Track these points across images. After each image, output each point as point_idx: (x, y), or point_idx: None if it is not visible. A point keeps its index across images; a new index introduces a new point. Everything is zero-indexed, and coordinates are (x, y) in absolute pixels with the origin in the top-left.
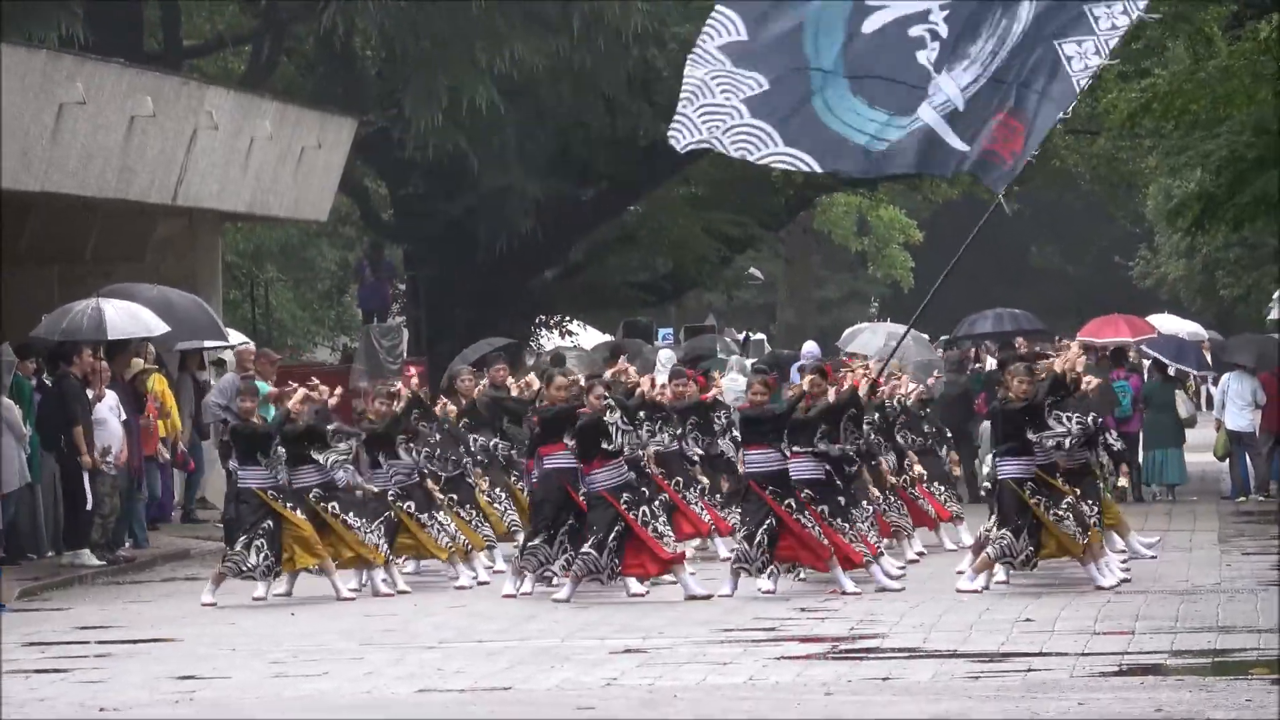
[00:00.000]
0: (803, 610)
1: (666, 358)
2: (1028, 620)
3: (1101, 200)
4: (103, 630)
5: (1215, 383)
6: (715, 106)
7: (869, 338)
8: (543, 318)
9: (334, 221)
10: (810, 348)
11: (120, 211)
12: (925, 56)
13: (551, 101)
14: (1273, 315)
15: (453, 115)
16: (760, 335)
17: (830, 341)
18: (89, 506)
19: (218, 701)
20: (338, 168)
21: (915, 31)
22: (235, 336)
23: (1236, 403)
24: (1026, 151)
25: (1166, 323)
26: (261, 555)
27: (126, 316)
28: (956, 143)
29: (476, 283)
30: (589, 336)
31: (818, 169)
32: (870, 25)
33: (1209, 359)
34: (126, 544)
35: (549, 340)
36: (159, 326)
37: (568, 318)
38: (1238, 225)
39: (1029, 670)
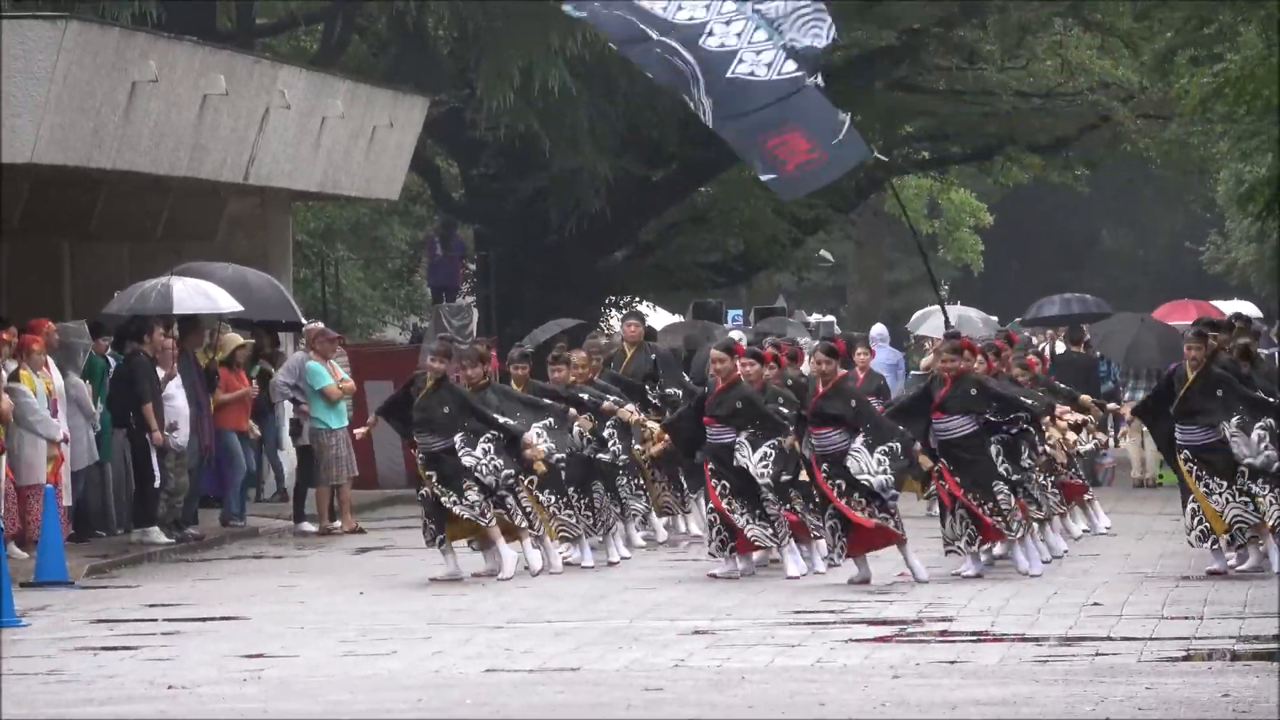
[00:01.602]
0: (871, 593)
1: (805, 344)
2: (1095, 604)
3: (1173, 185)
4: (171, 608)
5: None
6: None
7: (939, 320)
8: (612, 298)
9: (405, 201)
10: (878, 330)
11: (192, 190)
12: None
13: (622, 82)
14: None
15: (524, 95)
16: (830, 317)
17: (900, 324)
18: (157, 484)
19: (285, 680)
20: (409, 147)
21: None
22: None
23: None
24: (824, 133)
25: (1236, 308)
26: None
27: (196, 293)
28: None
29: (546, 263)
30: (659, 317)
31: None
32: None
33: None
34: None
35: (618, 322)
36: (230, 304)
37: (638, 299)
38: None
39: (1096, 654)
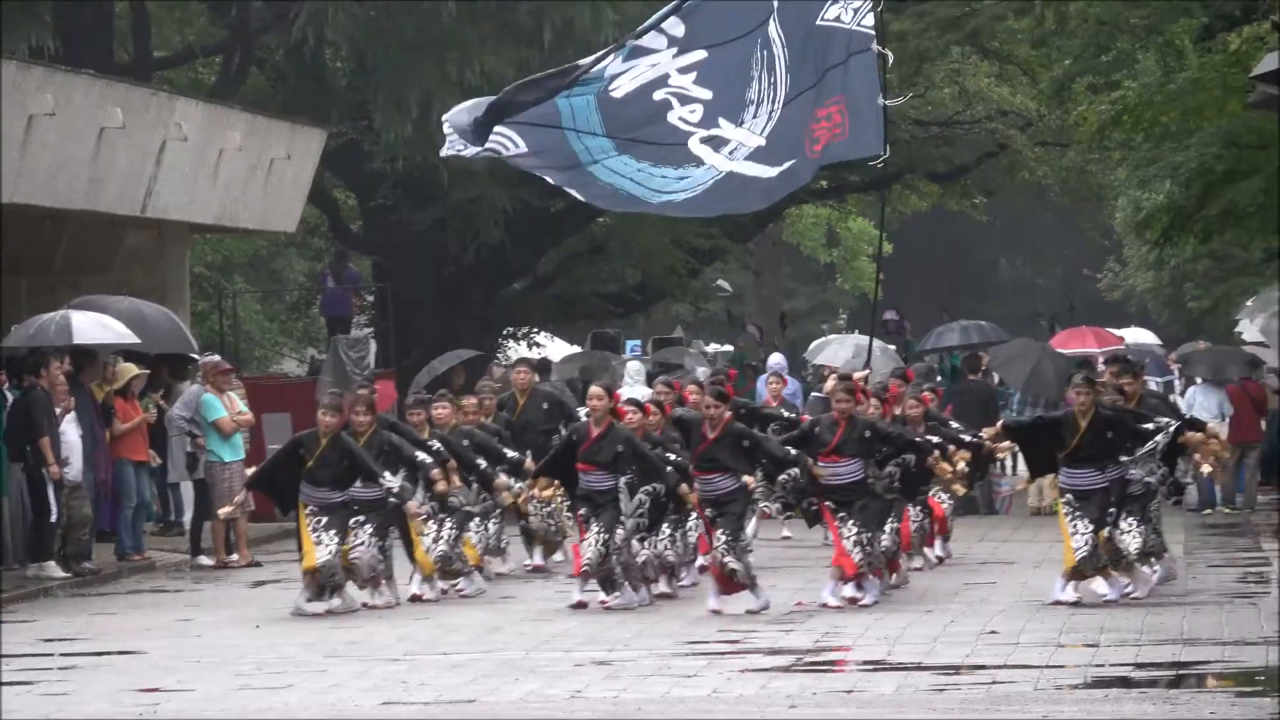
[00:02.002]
0: (767, 622)
1: (635, 369)
2: (992, 633)
3: (1070, 212)
4: (68, 642)
5: (1179, 393)
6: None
7: (837, 349)
8: (511, 329)
9: (302, 233)
10: (776, 360)
11: (89, 223)
12: (676, 116)
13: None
14: (1240, 329)
15: (422, 127)
16: (728, 347)
17: (798, 353)
18: (53, 518)
19: (182, 714)
20: (307, 179)
21: (659, 96)
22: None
23: (1203, 415)
24: (858, 113)
25: (1134, 335)
26: None
27: (95, 325)
28: (767, 171)
29: (445, 294)
30: (557, 348)
31: (580, 197)
32: (617, 91)
33: (1174, 371)
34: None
35: (516, 351)
36: (129, 336)
37: (536, 329)
38: (1206, 237)
39: (993, 683)
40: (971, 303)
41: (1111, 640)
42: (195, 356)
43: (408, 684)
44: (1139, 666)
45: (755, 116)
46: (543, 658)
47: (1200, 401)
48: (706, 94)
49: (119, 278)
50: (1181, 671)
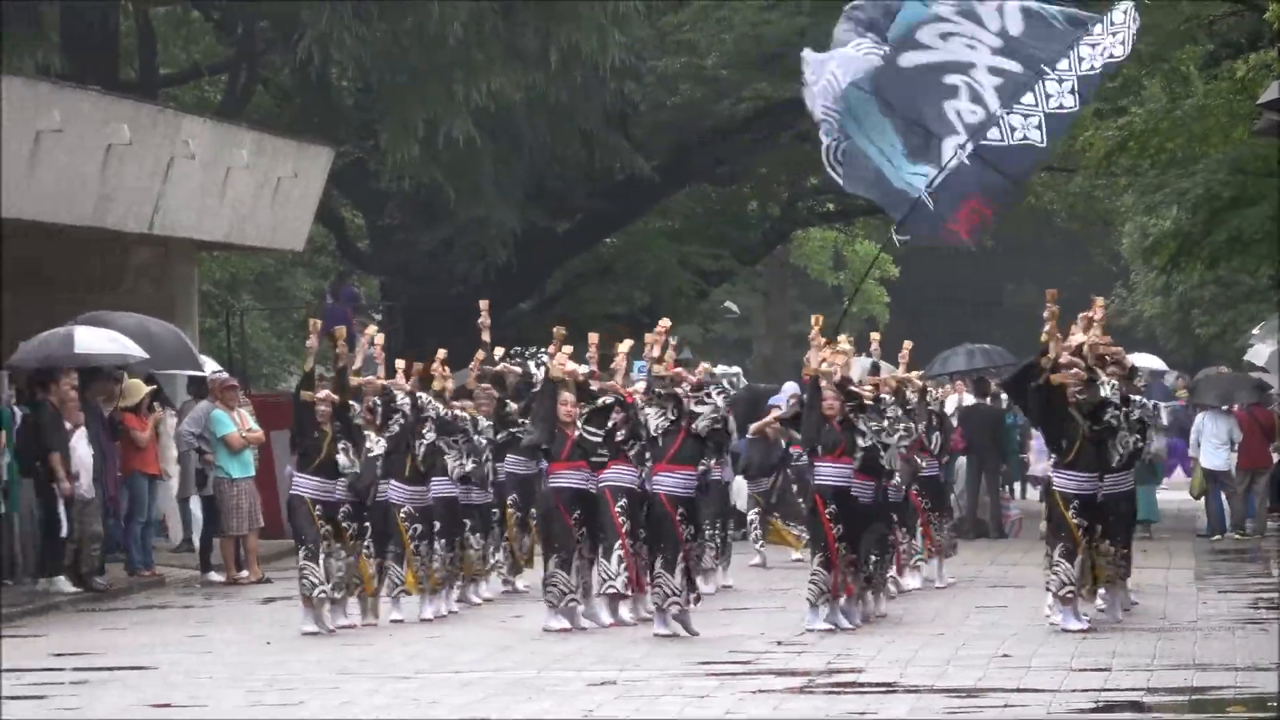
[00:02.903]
0: (779, 644)
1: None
2: (1005, 656)
3: (1078, 238)
4: (79, 657)
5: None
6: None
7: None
8: (518, 349)
9: (310, 251)
10: (790, 387)
11: (96, 239)
12: (954, 109)
13: (528, 134)
14: (1250, 355)
15: (429, 147)
16: (736, 369)
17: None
18: (64, 533)
19: None
20: (314, 197)
21: (951, 80)
22: (209, 365)
23: (1212, 441)
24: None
25: (1141, 360)
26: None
27: (100, 339)
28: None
29: (452, 313)
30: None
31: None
32: (906, 60)
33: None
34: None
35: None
36: (136, 352)
37: (543, 349)
38: (1213, 263)
39: (1005, 706)
40: (977, 325)
41: (1123, 665)
42: (203, 374)
43: (419, 701)
44: (1151, 691)
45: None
46: (554, 677)
47: (1209, 428)
48: (995, 106)
49: (126, 294)
50: (1195, 696)
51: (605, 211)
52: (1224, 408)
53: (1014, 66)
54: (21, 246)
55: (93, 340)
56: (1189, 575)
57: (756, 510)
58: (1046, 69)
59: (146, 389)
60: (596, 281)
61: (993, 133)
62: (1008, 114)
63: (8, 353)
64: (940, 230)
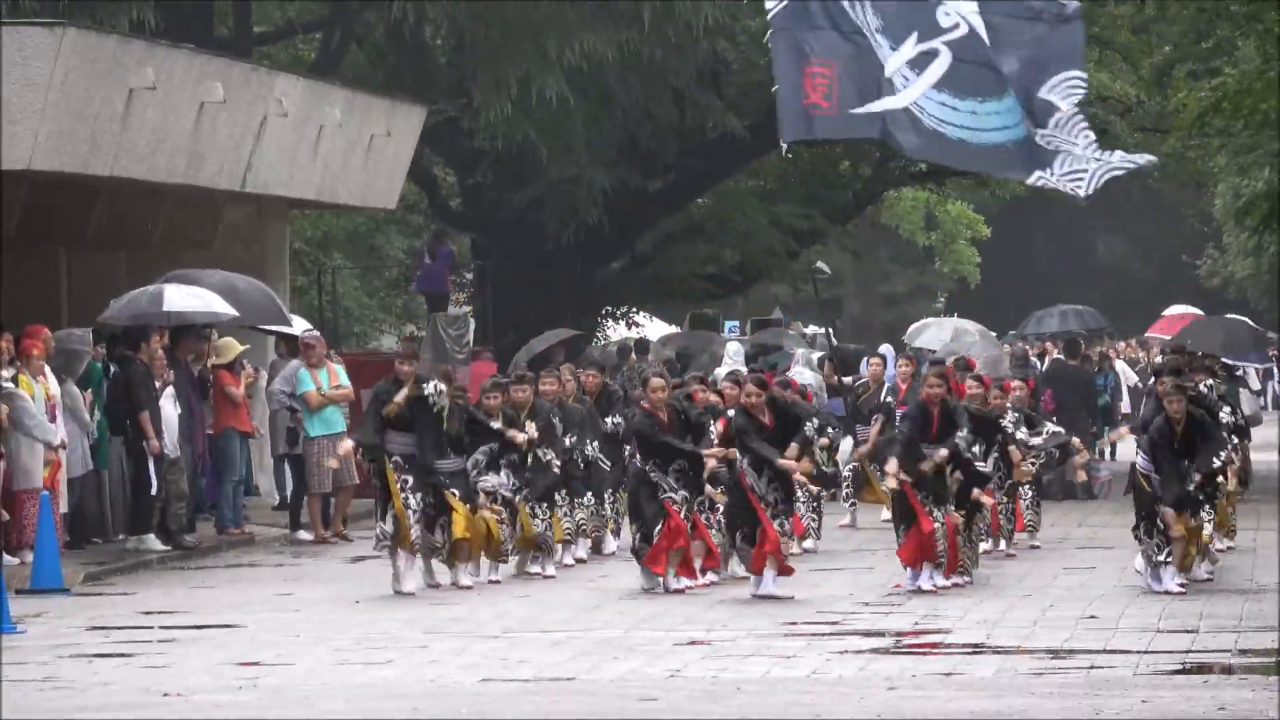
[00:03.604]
0: (866, 604)
1: (734, 350)
2: (1092, 618)
3: (1170, 198)
4: (166, 615)
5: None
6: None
7: (935, 332)
8: (609, 309)
9: (402, 210)
10: (886, 349)
11: (189, 197)
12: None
13: (620, 93)
14: None
15: (521, 105)
16: (825, 328)
17: (897, 335)
18: (153, 492)
19: (281, 688)
20: (406, 156)
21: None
22: (300, 323)
23: None
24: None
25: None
26: None
27: (189, 296)
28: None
29: (543, 273)
30: (655, 328)
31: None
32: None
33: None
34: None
35: (615, 331)
36: (226, 310)
37: (634, 309)
38: None
39: (1092, 668)
40: (1069, 285)
41: (1210, 627)
42: (293, 331)
43: (507, 661)
44: (1238, 653)
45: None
46: (642, 636)
47: None
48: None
49: (218, 253)
50: None
51: (697, 171)
52: None
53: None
54: (114, 204)
55: (181, 298)
56: (1275, 537)
57: (851, 465)
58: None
59: (240, 347)
60: (687, 241)
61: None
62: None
63: (98, 312)
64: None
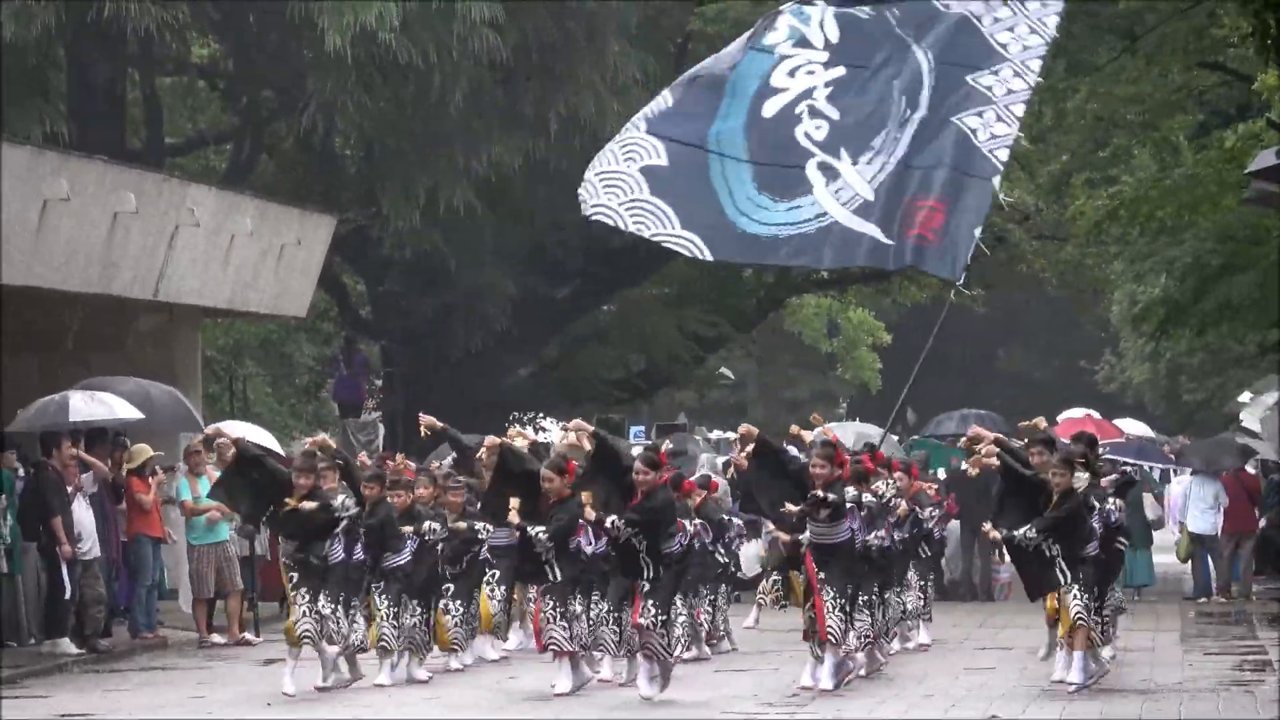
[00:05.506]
0: (770, 705)
1: (707, 460)
2: (993, 718)
3: (1068, 305)
4: (82, 718)
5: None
6: (615, 174)
7: (839, 436)
8: (517, 414)
9: (313, 318)
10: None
11: (102, 305)
12: (803, 131)
13: (528, 201)
14: (1244, 418)
15: (430, 214)
16: (730, 434)
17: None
18: (67, 595)
19: None
20: (317, 265)
21: (799, 108)
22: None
23: (1199, 505)
24: (956, 230)
25: (1130, 426)
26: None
27: (94, 404)
28: (878, 234)
29: (453, 379)
30: (558, 433)
31: (708, 257)
32: (769, 110)
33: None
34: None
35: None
36: (129, 412)
37: (542, 414)
38: (1201, 330)
39: None
40: (968, 391)
41: None
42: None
43: None
44: None
45: (870, 164)
46: None
47: (1196, 492)
48: (835, 114)
49: (130, 358)
50: None
51: (603, 277)
52: (1209, 472)
53: (841, 71)
54: (25, 310)
55: (87, 406)
56: (1175, 637)
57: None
58: (970, 67)
59: (150, 452)
60: (594, 347)
61: (942, 138)
62: (958, 117)
63: (7, 419)
64: (906, 249)
